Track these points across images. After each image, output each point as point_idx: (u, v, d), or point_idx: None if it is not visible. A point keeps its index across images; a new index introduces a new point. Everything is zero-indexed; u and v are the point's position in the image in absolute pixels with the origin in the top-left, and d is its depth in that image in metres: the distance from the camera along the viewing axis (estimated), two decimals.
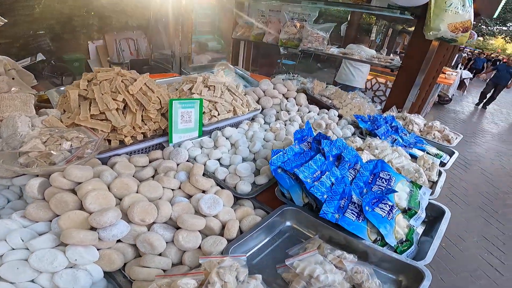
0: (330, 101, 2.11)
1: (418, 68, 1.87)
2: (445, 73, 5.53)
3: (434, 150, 1.56)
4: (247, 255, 0.90)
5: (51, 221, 0.79)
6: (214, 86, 1.50)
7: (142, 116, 1.18)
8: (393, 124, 1.71)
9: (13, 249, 0.70)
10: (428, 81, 2.09)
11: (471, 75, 9.61)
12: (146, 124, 1.20)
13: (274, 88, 1.93)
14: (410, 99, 2.01)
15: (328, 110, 1.95)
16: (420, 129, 1.81)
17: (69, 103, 1.15)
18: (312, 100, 2.14)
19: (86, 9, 4.82)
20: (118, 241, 0.80)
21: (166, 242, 0.82)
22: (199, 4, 5.19)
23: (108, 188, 0.88)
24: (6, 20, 1.50)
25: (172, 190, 0.99)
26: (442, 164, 1.50)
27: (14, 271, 0.66)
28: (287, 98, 1.98)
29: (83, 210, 0.78)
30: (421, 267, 0.83)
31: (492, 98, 8.65)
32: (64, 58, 5.18)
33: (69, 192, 0.83)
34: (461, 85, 7.84)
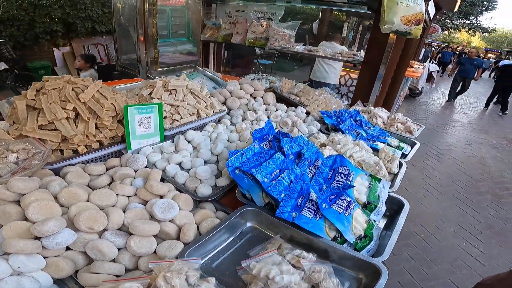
0: (298, 98, 2.14)
1: (379, 62, 1.93)
2: (413, 67, 5.76)
3: (395, 142, 1.61)
4: (207, 258, 0.89)
5: None
6: (176, 89, 1.48)
7: (96, 124, 1.14)
8: (357, 118, 1.75)
9: None
10: (390, 74, 2.17)
11: (438, 68, 9.95)
12: (101, 132, 1.16)
13: (241, 89, 1.93)
14: (374, 93, 2.07)
15: (296, 108, 1.98)
16: (384, 122, 1.87)
17: (17, 114, 1.09)
18: (281, 98, 2.16)
19: (48, 15, 4.65)
20: (68, 249, 0.78)
21: (119, 249, 0.80)
22: (172, 7, 5.11)
23: (56, 198, 0.85)
24: None
25: (128, 197, 0.96)
26: (404, 156, 1.55)
27: None
28: (254, 98, 1.99)
29: (27, 220, 0.76)
30: (378, 264, 0.84)
31: (463, 90, 8.80)
32: (28, 66, 4.96)
33: (13, 203, 0.79)
34: (429, 78, 8.19)
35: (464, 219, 3.26)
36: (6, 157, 0.91)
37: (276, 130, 1.19)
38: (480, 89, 12.09)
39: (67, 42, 5.11)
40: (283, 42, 2.31)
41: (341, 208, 0.93)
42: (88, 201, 0.87)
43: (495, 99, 8.53)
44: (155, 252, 0.82)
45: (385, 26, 1.63)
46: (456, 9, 4.77)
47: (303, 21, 8.80)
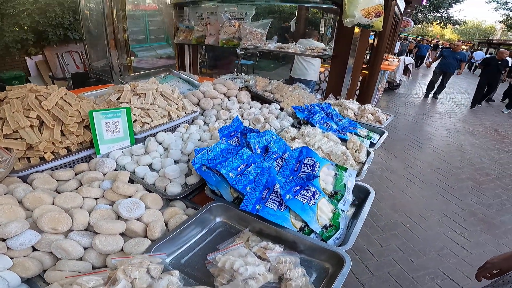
0: (272, 95, 2.19)
1: (347, 55, 2.00)
2: (388, 60, 5.94)
3: (364, 132, 1.68)
4: (176, 254, 0.92)
5: None
6: (145, 93, 1.50)
7: (62, 131, 1.15)
8: (328, 111, 1.81)
9: None
10: (359, 67, 2.25)
11: (413, 61, 10.13)
12: (67, 139, 1.16)
13: (214, 89, 1.96)
14: (345, 86, 2.14)
15: (269, 104, 2.02)
16: (354, 113, 1.94)
17: None
18: (255, 96, 2.21)
19: (17, 24, 4.52)
20: (35, 249, 0.80)
21: (86, 248, 0.82)
22: (149, 12, 5.09)
23: (21, 202, 0.87)
24: None
25: (96, 199, 0.98)
26: (373, 145, 1.61)
27: None
28: (228, 98, 2.03)
29: None
30: (341, 253, 0.86)
31: (442, 86, 8.29)
32: (1, 77, 4.81)
33: None
34: (406, 70, 8.45)
35: (447, 207, 3.34)
36: None
37: (244, 127, 1.23)
38: (461, 83, 12.05)
39: (39, 51, 4.97)
40: (255, 41, 2.35)
41: (305, 199, 0.98)
42: (53, 204, 0.89)
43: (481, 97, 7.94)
44: (122, 250, 0.84)
45: (347, 20, 1.70)
46: (424, 2, 4.99)
47: (283, 20, 8.92)
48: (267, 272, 0.81)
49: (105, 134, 1.21)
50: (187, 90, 2.22)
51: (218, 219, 1.04)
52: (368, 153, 1.45)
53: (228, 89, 2.02)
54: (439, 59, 8.10)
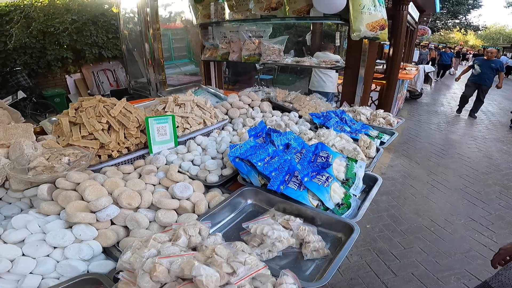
0: (291, 105, 2.46)
1: (358, 66, 2.24)
2: (406, 69, 6.07)
3: (375, 133, 1.89)
4: (215, 228, 1.17)
5: (59, 214, 1.06)
6: (184, 103, 1.81)
7: (124, 133, 1.47)
8: (342, 116, 2.05)
9: (32, 233, 0.96)
10: (370, 76, 2.46)
11: (433, 69, 9.63)
12: (128, 140, 1.48)
13: (240, 100, 2.26)
14: (358, 94, 2.37)
15: (289, 113, 2.29)
16: (367, 118, 2.15)
17: (61, 129, 1.43)
18: (276, 106, 2.48)
19: (57, 42, 5.03)
20: (112, 223, 1.07)
21: (150, 221, 1.09)
22: (172, 30, 5.60)
23: (102, 185, 1.16)
24: None
25: (154, 185, 1.26)
26: (383, 143, 1.82)
27: (34, 248, 0.91)
28: (252, 108, 2.31)
29: (83, 201, 1.06)
30: (351, 223, 1.10)
31: (479, 102, 7.08)
32: (44, 94, 5.33)
33: (71, 190, 1.10)
34: (427, 79, 8.44)
35: (473, 211, 3.33)
36: (60, 159, 1.23)
37: (268, 128, 1.50)
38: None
39: (78, 69, 5.54)
40: (274, 56, 2.66)
41: (320, 181, 1.21)
42: (125, 187, 1.18)
43: None
44: (176, 222, 1.10)
45: (354, 34, 1.95)
46: (438, 10, 5.16)
47: (299, 34, 9.32)
48: (290, 237, 1.05)
49: (156, 137, 1.52)
50: (215, 103, 2.54)
51: (248, 201, 1.29)
52: (377, 150, 1.66)
53: (252, 100, 2.31)
54: (471, 70, 7.02)
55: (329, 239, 1.12)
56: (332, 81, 4.99)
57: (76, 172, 1.13)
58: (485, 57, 6.75)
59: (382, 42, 7.02)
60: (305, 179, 1.21)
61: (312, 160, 1.37)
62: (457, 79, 7.65)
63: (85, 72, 5.46)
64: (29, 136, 1.31)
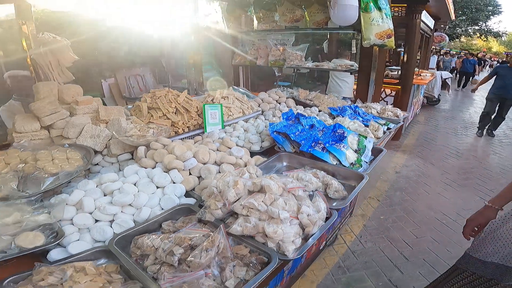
0: (312, 102, 2.97)
1: (369, 69, 2.74)
2: (421, 75, 6.48)
3: (383, 122, 2.37)
4: None
5: (154, 167, 1.58)
6: (228, 97, 2.36)
7: (187, 116, 2.02)
8: (356, 110, 2.53)
9: (140, 178, 1.49)
10: (381, 78, 2.95)
11: (451, 75, 9.43)
12: (189, 121, 2.03)
13: (269, 96, 2.79)
14: (370, 93, 2.85)
15: (310, 107, 2.79)
16: (377, 111, 2.63)
17: (141, 111, 1.99)
18: (299, 103, 3.00)
19: (97, 49, 5.68)
20: (190, 174, 1.59)
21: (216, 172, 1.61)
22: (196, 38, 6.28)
23: None
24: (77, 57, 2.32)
25: (213, 150, 1.79)
26: (389, 129, 2.29)
27: (146, 187, 1.42)
28: (279, 103, 2.84)
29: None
30: (362, 173, 1.59)
31: (500, 118, 6.29)
32: None
33: (163, 149, 1.63)
34: (445, 85, 8.77)
35: None
36: (148, 131, 1.78)
37: (297, 113, 2.01)
38: None
39: (112, 74, 6.20)
40: (296, 61, 3.20)
41: (338, 147, 1.71)
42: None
43: None
44: None
45: (365, 42, 2.46)
46: (453, 17, 5.60)
47: (317, 42, 9.92)
48: (317, 181, 1.54)
49: (210, 120, 2.06)
50: (246, 97, 3.08)
51: (284, 163, 1.79)
52: (384, 132, 2.14)
53: (279, 97, 2.84)
54: (492, 79, 6.08)
55: (345, 187, 1.60)
56: (348, 86, 5.45)
57: (163, 138, 1.67)
58: (509, 65, 5.88)
59: (398, 50, 7.48)
60: (327, 144, 1.70)
61: (331, 135, 1.87)
62: (473, 91, 6.93)
63: (119, 77, 6.12)
64: (122, 115, 1.87)
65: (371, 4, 2.50)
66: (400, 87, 5.80)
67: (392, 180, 4.33)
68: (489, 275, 1.47)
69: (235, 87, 3.35)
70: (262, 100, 2.75)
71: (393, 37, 2.51)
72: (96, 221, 1.25)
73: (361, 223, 3.31)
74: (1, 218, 1.12)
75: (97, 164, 1.72)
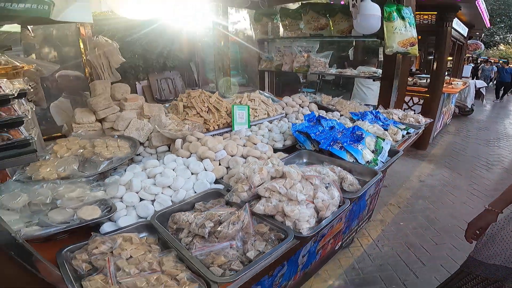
0: (334, 107, 3.13)
1: (392, 75, 2.87)
2: (452, 83, 6.40)
3: (403, 126, 2.48)
4: None
5: (188, 157, 1.83)
6: (254, 99, 2.59)
7: (217, 115, 2.27)
8: (377, 115, 2.67)
9: (178, 165, 1.74)
10: (404, 84, 3.05)
11: (485, 84, 9.09)
12: (219, 120, 2.28)
13: (293, 100, 3.00)
14: (393, 99, 2.97)
15: (332, 112, 2.96)
16: (399, 117, 2.75)
17: (177, 109, 2.27)
18: (321, 107, 3.17)
19: (132, 52, 6.16)
20: (220, 164, 1.83)
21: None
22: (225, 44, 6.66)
23: None
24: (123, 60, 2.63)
25: (240, 145, 2.02)
26: (409, 133, 2.41)
27: (182, 173, 1.67)
28: (302, 107, 3.03)
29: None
30: (375, 169, 1.75)
31: None
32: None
33: (196, 141, 1.88)
34: (479, 94, 8.52)
35: None
36: (183, 126, 2.04)
37: (318, 115, 2.20)
38: None
39: (145, 76, 6.68)
40: (320, 68, 3.38)
41: (356, 146, 1.87)
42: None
43: None
44: None
45: (388, 50, 2.60)
46: (488, 25, 5.53)
47: (342, 49, 10.02)
48: (334, 175, 1.71)
49: (237, 119, 2.30)
50: (271, 100, 3.31)
51: (304, 160, 1.98)
52: (403, 136, 2.27)
53: (302, 101, 3.04)
54: None
55: (360, 182, 1.76)
56: (373, 94, 5.51)
57: (198, 132, 1.92)
58: None
59: (429, 58, 7.40)
60: (345, 144, 1.87)
61: (350, 136, 2.03)
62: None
63: (151, 79, 6.59)
64: (162, 112, 2.15)
65: (395, 13, 2.64)
66: (428, 95, 5.78)
67: (416, 188, 4.35)
68: (493, 277, 1.53)
69: (260, 91, 3.58)
70: (286, 104, 2.95)
71: (416, 45, 2.62)
72: (141, 199, 1.50)
73: (380, 228, 3.39)
74: (66, 193, 1.40)
75: (139, 154, 2.01)
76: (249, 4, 3.14)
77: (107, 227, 1.34)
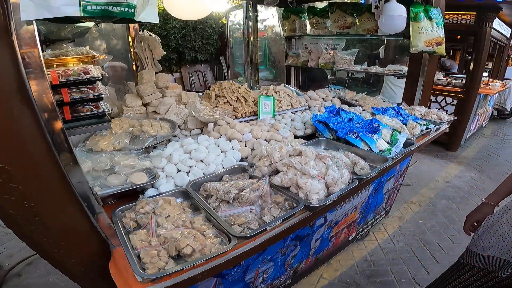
0: (357, 102, 3.30)
1: (418, 73, 2.99)
2: (489, 84, 6.23)
3: (423, 122, 2.61)
4: None
5: (219, 138, 2.13)
6: (279, 92, 2.85)
7: (245, 104, 2.55)
8: (399, 111, 2.81)
9: (209, 144, 2.04)
10: (430, 83, 3.15)
11: None
12: (246, 108, 2.56)
13: (316, 94, 3.21)
14: (418, 97, 3.09)
15: (354, 107, 3.14)
16: (421, 114, 2.87)
17: (210, 98, 2.58)
18: (344, 102, 3.35)
19: (168, 46, 6.67)
20: (245, 146, 2.11)
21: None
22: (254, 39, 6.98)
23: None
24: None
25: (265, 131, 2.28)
26: (428, 129, 2.54)
27: (213, 150, 1.97)
28: (325, 101, 3.24)
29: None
30: (387, 156, 1.94)
31: None
32: None
33: (226, 126, 2.18)
34: None
35: None
36: (215, 112, 2.34)
37: (338, 107, 2.41)
38: None
39: (178, 69, 7.19)
40: (345, 65, 3.56)
41: (371, 136, 2.07)
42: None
43: None
44: None
45: (413, 49, 2.72)
46: None
47: (373, 47, 9.94)
48: (349, 159, 1.93)
49: (263, 109, 2.57)
50: (295, 93, 3.54)
51: (321, 147, 2.21)
52: (421, 131, 2.41)
53: (325, 96, 3.24)
54: None
55: (371, 168, 1.96)
56: (402, 92, 5.55)
57: (227, 117, 2.22)
58: None
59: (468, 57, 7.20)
60: (361, 133, 2.08)
61: (367, 127, 2.23)
62: None
63: (183, 72, 7.08)
64: (197, 99, 2.47)
65: (422, 14, 2.76)
66: (463, 96, 5.71)
67: (440, 188, 4.39)
68: (488, 268, 1.63)
69: (286, 85, 3.82)
70: (309, 97, 3.18)
71: (443, 45, 2.71)
72: (178, 171, 1.82)
73: (397, 224, 3.52)
74: (121, 161, 1.74)
75: (175, 135, 2.34)
76: (278, 2, 3.38)
77: (150, 192, 1.66)
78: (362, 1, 4.54)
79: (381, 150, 2.04)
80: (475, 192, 4.31)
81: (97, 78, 1.12)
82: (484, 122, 7.14)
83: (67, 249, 1.25)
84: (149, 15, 1.01)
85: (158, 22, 1.05)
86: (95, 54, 1.38)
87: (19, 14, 0.82)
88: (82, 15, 0.86)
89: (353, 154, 1.95)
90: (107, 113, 1.24)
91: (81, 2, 0.86)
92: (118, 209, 1.48)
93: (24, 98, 0.89)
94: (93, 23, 1.78)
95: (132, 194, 1.59)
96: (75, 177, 1.07)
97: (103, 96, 1.18)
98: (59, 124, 0.96)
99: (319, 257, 2.63)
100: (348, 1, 3.52)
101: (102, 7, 0.89)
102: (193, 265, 1.17)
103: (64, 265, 1.30)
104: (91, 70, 1.12)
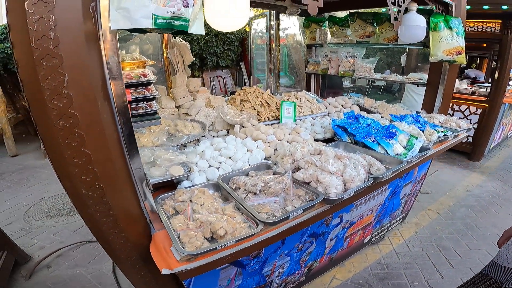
0: (376, 110, 3.49)
1: (437, 82, 3.14)
2: None
3: (441, 129, 2.76)
4: None
5: (245, 139, 2.38)
6: (300, 98, 3.08)
7: (268, 109, 2.80)
8: (417, 118, 2.98)
9: (236, 143, 2.29)
10: (451, 91, 3.29)
11: None
12: (269, 113, 2.80)
13: (336, 101, 3.43)
14: (437, 105, 3.24)
15: (373, 114, 3.32)
16: (440, 122, 3.01)
17: (235, 102, 2.84)
18: (363, 109, 3.54)
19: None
20: (269, 146, 2.34)
21: None
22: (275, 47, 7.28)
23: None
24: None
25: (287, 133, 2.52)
26: (446, 136, 2.69)
27: (240, 148, 2.21)
28: (344, 108, 3.44)
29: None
30: (401, 158, 2.13)
31: None
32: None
33: (252, 127, 2.43)
34: None
35: None
36: (241, 115, 2.60)
37: (357, 113, 2.61)
38: None
39: (200, 74, 7.58)
40: (365, 73, 3.75)
41: (387, 141, 2.26)
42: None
43: None
44: None
45: (432, 58, 2.88)
46: None
47: (393, 56, 10.05)
48: (365, 160, 2.12)
49: (285, 113, 2.80)
50: (315, 100, 3.76)
51: (340, 149, 2.41)
52: (438, 137, 2.57)
53: (345, 102, 3.45)
54: None
55: (387, 170, 2.14)
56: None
57: (252, 120, 2.47)
58: None
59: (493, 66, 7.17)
60: (377, 138, 2.28)
61: (384, 132, 2.42)
62: None
63: (205, 77, 7.45)
64: (224, 103, 2.74)
65: (442, 24, 2.94)
66: (487, 105, 5.74)
67: (460, 197, 4.45)
68: (500, 280, 1.67)
69: (306, 92, 4.05)
70: (329, 104, 3.39)
71: (463, 54, 2.84)
72: (209, 166, 2.08)
73: (413, 230, 3.63)
74: (162, 155, 2.01)
75: (204, 136, 2.61)
76: (299, 11, 3.63)
77: (186, 183, 1.91)
78: (383, 10, 4.73)
79: (397, 154, 2.22)
80: (496, 201, 4.34)
81: (152, 81, 1.39)
82: (509, 133, 7.08)
83: (119, 230, 1.47)
84: (198, 28, 1.27)
85: (204, 34, 1.30)
86: (146, 59, 1.67)
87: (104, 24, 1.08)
88: (153, 27, 1.12)
89: (370, 156, 2.15)
90: (158, 111, 1.51)
91: (153, 16, 1.11)
92: (158, 197, 1.74)
93: (106, 94, 1.16)
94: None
95: (168, 185, 1.85)
96: (135, 163, 1.33)
97: (156, 96, 1.46)
98: (128, 118, 1.23)
99: (333, 257, 2.80)
100: (368, 11, 3.72)
101: (167, 21, 1.14)
102: (225, 245, 1.39)
103: (114, 246, 1.51)
104: (148, 74, 1.39)
